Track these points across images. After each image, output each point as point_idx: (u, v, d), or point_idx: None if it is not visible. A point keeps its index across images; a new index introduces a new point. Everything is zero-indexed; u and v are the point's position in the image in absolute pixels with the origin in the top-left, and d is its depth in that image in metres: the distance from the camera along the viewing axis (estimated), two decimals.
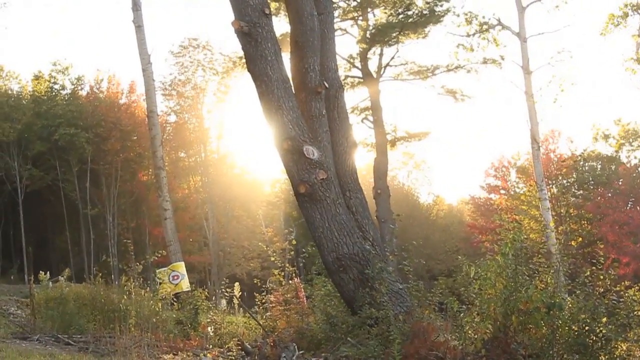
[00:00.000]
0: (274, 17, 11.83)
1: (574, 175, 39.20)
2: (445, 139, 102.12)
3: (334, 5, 21.93)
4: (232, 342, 10.53)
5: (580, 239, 35.20)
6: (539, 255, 9.71)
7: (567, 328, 8.23)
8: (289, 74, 11.13)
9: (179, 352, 10.12)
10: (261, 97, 10.72)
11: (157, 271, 17.79)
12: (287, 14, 12.92)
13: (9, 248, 40.15)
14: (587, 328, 8.20)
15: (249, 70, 10.90)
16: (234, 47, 38.23)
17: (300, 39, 11.23)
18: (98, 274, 13.59)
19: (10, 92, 42.34)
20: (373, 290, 9.71)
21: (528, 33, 23.27)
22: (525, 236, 9.41)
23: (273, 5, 20.77)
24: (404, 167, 58.60)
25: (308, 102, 11.07)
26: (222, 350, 10.60)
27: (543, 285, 8.76)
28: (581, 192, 39.05)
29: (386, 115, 28.80)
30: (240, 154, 46.94)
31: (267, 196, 48.71)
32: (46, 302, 12.92)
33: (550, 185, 36.41)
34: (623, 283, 8.99)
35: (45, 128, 38.43)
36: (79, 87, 42.49)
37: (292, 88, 10.99)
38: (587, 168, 40.82)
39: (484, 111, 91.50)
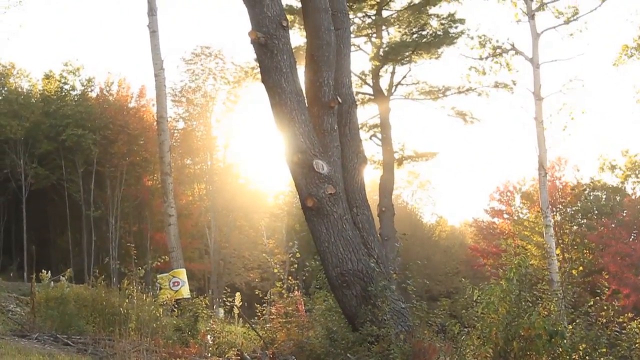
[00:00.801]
0: None
1: (578, 204, 39.13)
2: (452, 160, 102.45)
3: None
4: (231, 352, 10.52)
5: (582, 268, 35.07)
6: (543, 282, 9.69)
7: (567, 357, 8.20)
8: (303, 87, 11.16)
9: (178, 359, 10.09)
10: (274, 108, 10.73)
11: (158, 277, 17.78)
12: (302, 27, 12.97)
13: (10, 245, 40.18)
14: (587, 358, 8.18)
15: (263, 81, 10.90)
16: (246, 56, 38.38)
17: (316, 53, 11.25)
18: (100, 276, 13.56)
19: (20, 90, 42.64)
20: (375, 308, 9.68)
21: (541, 59, 23.25)
22: (530, 262, 9.38)
23: (288, 18, 20.84)
24: (408, 187, 58.71)
25: (320, 116, 11.07)
26: (220, 359, 10.58)
27: (546, 312, 8.74)
28: (585, 221, 38.94)
29: (395, 134, 28.86)
30: (246, 165, 47.10)
31: (270, 208, 48.72)
32: (46, 302, 12.86)
33: (555, 213, 36.33)
34: (626, 315, 8.96)
35: (53, 127, 38.66)
36: (89, 89, 42.87)
37: (306, 101, 11.01)
38: (591, 197, 40.74)
39: (493, 134, 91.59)
